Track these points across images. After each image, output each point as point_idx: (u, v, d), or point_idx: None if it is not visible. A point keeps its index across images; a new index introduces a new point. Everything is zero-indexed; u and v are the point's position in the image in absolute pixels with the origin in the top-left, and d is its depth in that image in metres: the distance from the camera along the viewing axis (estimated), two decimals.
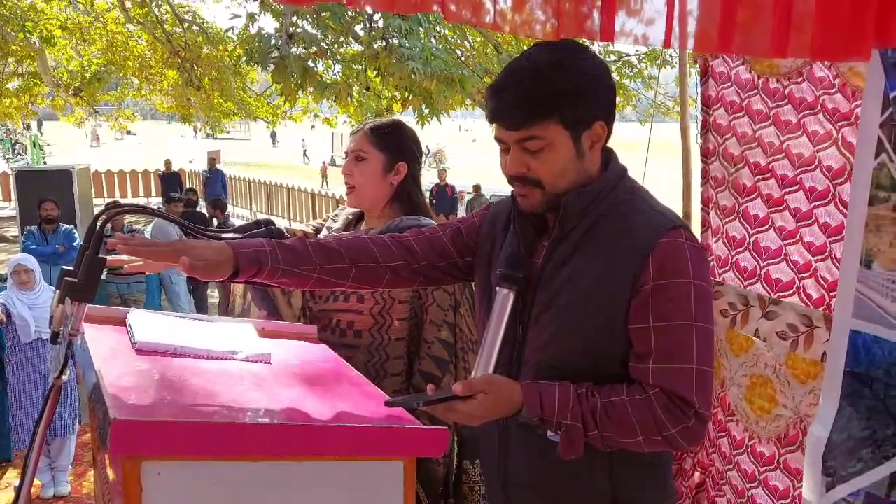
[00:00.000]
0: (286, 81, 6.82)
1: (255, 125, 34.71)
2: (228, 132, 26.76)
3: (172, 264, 1.30)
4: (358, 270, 1.44)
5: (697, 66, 2.49)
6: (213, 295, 8.21)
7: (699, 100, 2.45)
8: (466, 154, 34.84)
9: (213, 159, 15.85)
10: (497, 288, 1.31)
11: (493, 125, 1.30)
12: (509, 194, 1.40)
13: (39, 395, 4.58)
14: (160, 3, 10.31)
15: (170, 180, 14.97)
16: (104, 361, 1.30)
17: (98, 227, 1.27)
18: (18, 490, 1.38)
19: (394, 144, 1.90)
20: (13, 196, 15.38)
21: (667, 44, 1.28)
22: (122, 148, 36.51)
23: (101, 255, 1.27)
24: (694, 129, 2.69)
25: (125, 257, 1.52)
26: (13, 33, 10.95)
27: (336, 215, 2.07)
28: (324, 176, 22.40)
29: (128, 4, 10.23)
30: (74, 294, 1.25)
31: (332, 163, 36.86)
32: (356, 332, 1.84)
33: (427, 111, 7.72)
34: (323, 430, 1.20)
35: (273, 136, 40.54)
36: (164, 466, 1.11)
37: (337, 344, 1.80)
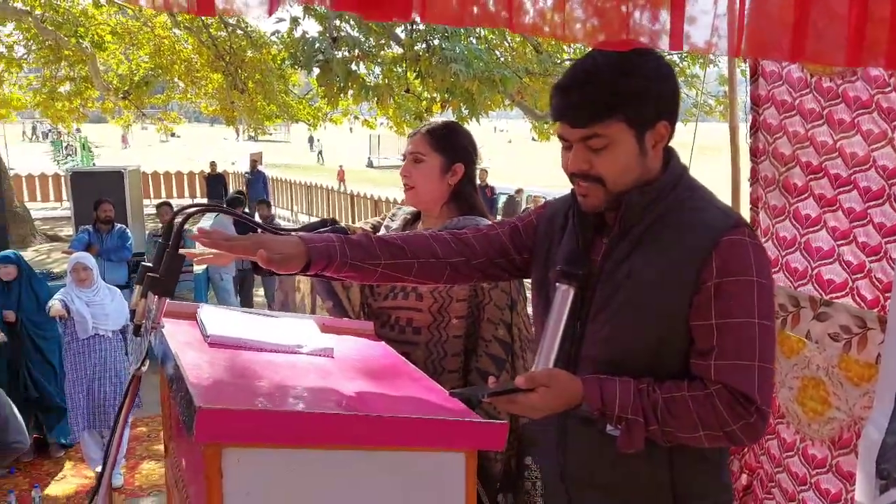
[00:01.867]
0: (330, 84, 6.94)
1: (296, 128, 35.25)
2: (271, 134, 27.17)
3: (251, 257, 1.36)
4: (419, 266, 1.50)
5: (746, 64, 2.48)
6: (259, 293, 8.37)
7: (748, 99, 2.45)
8: (502, 155, 34.81)
9: (254, 161, 16.13)
10: (556, 284, 1.35)
11: (557, 123, 1.34)
12: (551, 195, 1.43)
13: (96, 388, 4.73)
14: None
15: (214, 181, 15.29)
16: (181, 353, 1.37)
17: (178, 225, 1.34)
18: (100, 477, 1.45)
19: (451, 146, 1.95)
20: (64, 196, 15.93)
21: (734, 52, 1.29)
22: (165, 150, 37.32)
23: (180, 252, 1.34)
24: (742, 129, 2.68)
25: (196, 250, 1.59)
26: (66, 38, 11.31)
27: (394, 214, 2.13)
28: (341, 180, 22.35)
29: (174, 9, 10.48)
30: (156, 288, 1.32)
31: (370, 164, 37.20)
32: (415, 328, 1.89)
33: (467, 112, 7.78)
34: (390, 421, 1.25)
35: (311, 140, 41.11)
36: (244, 453, 1.17)
37: (395, 340, 1.86)
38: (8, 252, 5.29)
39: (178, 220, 1.38)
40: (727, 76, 2.72)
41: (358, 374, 1.54)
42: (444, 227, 1.87)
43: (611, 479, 1.38)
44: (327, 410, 1.24)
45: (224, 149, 35.96)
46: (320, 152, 38.26)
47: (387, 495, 1.29)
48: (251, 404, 1.20)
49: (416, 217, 2.08)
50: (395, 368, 1.64)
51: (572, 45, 11.51)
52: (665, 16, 1.24)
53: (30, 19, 11.06)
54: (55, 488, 4.87)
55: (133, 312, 1.37)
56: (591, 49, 1.36)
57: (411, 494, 1.31)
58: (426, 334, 1.89)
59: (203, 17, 10.54)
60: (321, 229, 1.53)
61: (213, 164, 16.21)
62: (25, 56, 13.10)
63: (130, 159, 23.32)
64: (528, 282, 1.62)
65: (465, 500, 1.33)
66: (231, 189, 15.92)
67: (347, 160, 36.53)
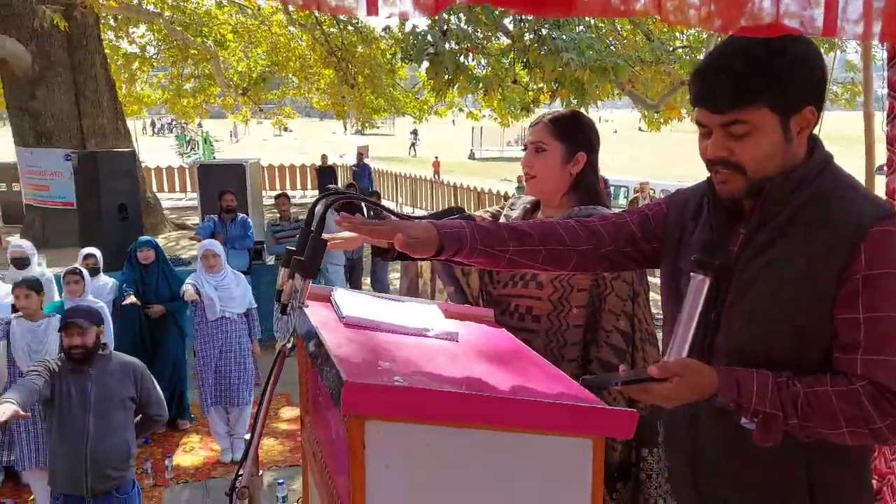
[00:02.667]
0: (439, 76, 7.03)
1: (401, 122, 35.91)
2: (378, 127, 27.80)
3: (388, 240, 1.42)
4: (547, 253, 1.51)
5: (883, 49, 2.34)
6: (366, 282, 8.63)
7: (885, 84, 2.31)
8: (608, 146, 34.01)
9: (361, 154, 16.59)
10: (691, 274, 1.33)
11: (696, 108, 1.31)
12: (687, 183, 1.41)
13: (223, 366, 5.04)
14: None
15: (325, 174, 15.85)
16: (323, 332, 1.45)
17: (322, 212, 1.42)
18: (247, 447, 1.57)
19: (573, 135, 1.95)
20: (189, 187, 16.94)
21: (871, 36, 1.24)
22: (277, 144, 38.94)
23: (323, 238, 1.41)
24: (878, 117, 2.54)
25: (326, 235, 1.68)
26: (192, 38, 12.02)
27: (513, 204, 2.15)
28: (436, 171, 22.41)
29: (290, 7, 10.94)
30: (301, 271, 1.40)
31: (472, 156, 37.37)
32: (534, 317, 1.90)
33: (576, 102, 7.68)
34: (522, 404, 1.28)
35: (414, 133, 41.78)
36: (384, 426, 1.23)
37: (515, 328, 1.88)
38: (148, 237, 5.72)
39: (322, 206, 1.45)
40: (857, 61, 2.58)
41: (484, 358, 1.58)
42: (565, 217, 1.87)
43: (744, 472, 1.36)
44: (462, 390, 1.28)
45: (332, 142, 37.13)
46: (412, 145, 38.75)
47: (515, 476, 1.32)
48: (391, 381, 1.26)
49: (535, 206, 2.10)
50: (519, 354, 1.67)
51: (686, 31, 11.13)
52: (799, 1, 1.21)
53: (160, 21, 11.83)
54: (184, 458, 5.24)
55: (279, 293, 1.47)
56: (730, 34, 1.33)
57: (539, 477, 1.34)
58: (546, 323, 1.90)
59: (317, 14, 10.94)
60: (449, 217, 1.57)
61: (324, 157, 16.79)
62: (155, 55, 14.05)
63: (242, 153, 24.48)
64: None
65: (591, 485, 1.34)
66: (340, 181, 16.45)
67: (449, 153, 36.87)
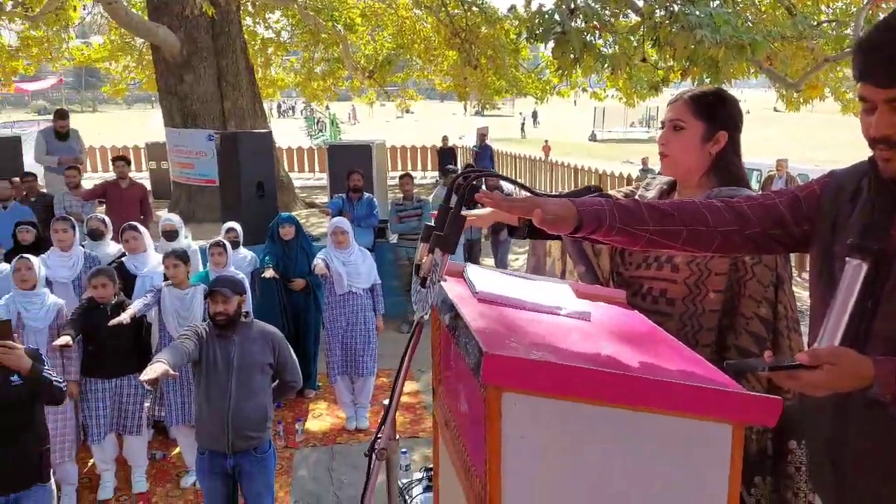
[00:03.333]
0: (565, 56, 6.92)
1: (521, 103, 35.65)
2: (499, 108, 27.78)
3: (527, 216, 1.43)
4: (689, 233, 1.47)
5: None
6: (487, 262, 8.71)
7: None
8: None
9: (482, 135, 16.63)
10: (847, 259, 1.26)
11: (859, 83, 1.24)
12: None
13: (349, 338, 5.27)
14: None
15: (445, 154, 16.05)
16: (460, 305, 1.50)
17: (463, 188, 1.45)
18: (386, 411, 1.64)
19: (715, 113, 1.87)
20: (317, 167, 17.67)
21: None
22: (399, 125, 39.74)
23: (462, 213, 1.45)
24: None
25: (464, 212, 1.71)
26: (323, 22, 12.48)
27: (648, 184, 2.11)
28: (546, 154, 21.67)
29: None
30: (441, 245, 1.44)
31: (593, 138, 36.57)
32: (668, 300, 1.86)
33: (709, 81, 7.32)
34: (661, 385, 1.26)
35: (534, 115, 41.33)
36: (521, 398, 1.26)
37: (647, 310, 1.85)
38: (289, 214, 6.05)
39: (461, 182, 1.48)
40: None
41: (617, 338, 1.57)
42: (706, 198, 1.81)
43: None
44: (599, 368, 1.28)
45: (452, 123, 37.48)
46: (522, 125, 38.29)
47: (650, 458, 1.31)
48: (529, 355, 1.28)
49: (672, 187, 2.04)
50: (653, 335, 1.64)
51: (832, 4, 10.33)
52: None
53: (294, 6, 12.35)
54: (313, 424, 5.54)
55: (418, 267, 1.52)
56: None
57: (674, 461, 1.32)
58: (680, 306, 1.86)
59: None
60: (587, 196, 1.56)
61: (444, 139, 16.99)
62: (289, 40, 14.70)
63: (365, 134, 25.16)
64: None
65: (729, 472, 1.31)
66: (460, 162, 16.58)
67: (569, 134, 36.21)
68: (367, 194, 7.07)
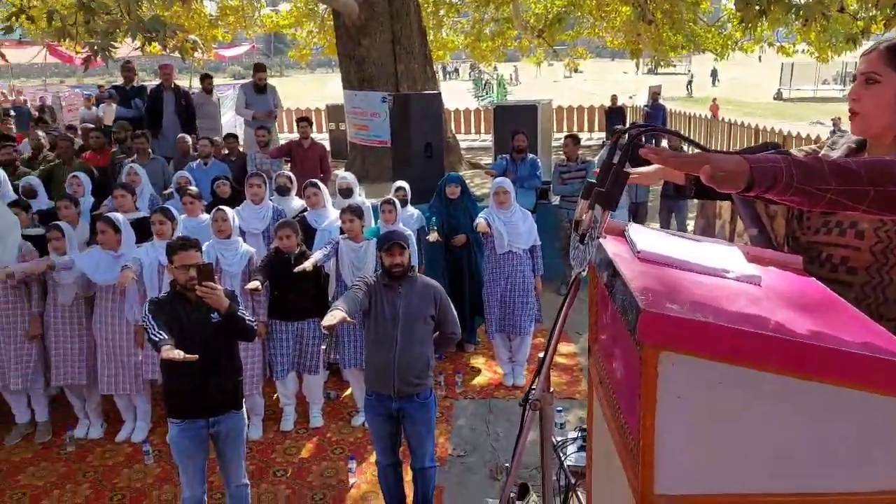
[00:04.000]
0: (749, 7, 6.42)
1: (698, 60, 33.51)
2: (674, 66, 26.28)
3: (694, 172, 1.38)
4: (877, 195, 1.35)
5: None
6: (654, 226, 8.42)
7: None
8: None
9: (655, 94, 15.89)
10: None
11: None
12: None
13: (507, 297, 5.36)
14: None
15: (614, 115, 15.55)
16: (619, 263, 1.49)
17: (626, 144, 1.43)
18: (541, 364, 1.69)
19: None
20: (483, 129, 17.84)
21: None
22: (566, 85, 38.91)
23: (626, 170, 1.43)
24: None
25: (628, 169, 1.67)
26: None
27: (834, 143, 1.95)
28: (714, 115, 19.57)
29: None
30: (602, 202, 1.44)
31: (779, 96, 33.65)
32: (849, 268, 1.73)
33: None
34: (833, 353, 1.20)
35: (714, 73, 38.56)
36: (679, 359, 1.24)
37: (825, 279, 1.73)
38: (457, 174, 6.23)
39: (625, 139, 1.46)
40: None
41: (789, 305, 1.49)
42: None
43: None
44: (767, 332, 1.24)
45: (622, 83, 36.08)
46: (689, 83, 35.66)
47: (818, 430, 1.25)
48: (688, 314, 1.26)
49: (860, 147, 1.87)
50: (831, 304, 1.54)
51: None
52: None
53: None
54: (472, 377, 5.73)
55: (577, 223, 1.53)
56: None
57: (842, 436, 1.25)
58: (863, 276, 1.72)
59: None
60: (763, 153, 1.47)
61: (613, 98, 16.44)
62: (460, 1, 14.83)
63: (531, 95, 24.87)
64: None
65: None
66: (629, 122, 15.97)
67: (753, 92, 33.55)
68: (530, 155, 7.05)
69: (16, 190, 6.05)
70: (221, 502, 3.98)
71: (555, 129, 17.73)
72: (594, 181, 1.51)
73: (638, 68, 42.32)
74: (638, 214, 7.97)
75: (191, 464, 3.51)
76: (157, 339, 3.21)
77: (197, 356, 3.11)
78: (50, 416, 5.05)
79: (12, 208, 5.03)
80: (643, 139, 1.40)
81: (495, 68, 23.87)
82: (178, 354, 3.09)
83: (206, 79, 9.38)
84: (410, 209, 5.92)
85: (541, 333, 6.27)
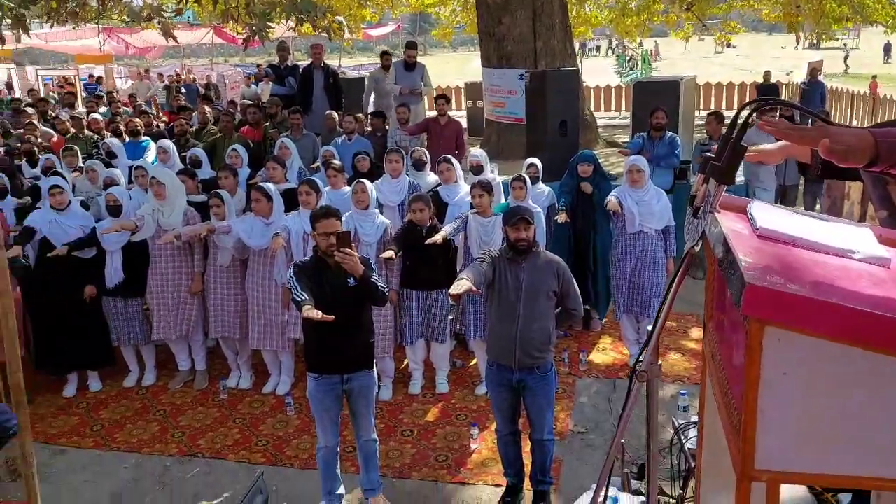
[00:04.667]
0: None
1: (867, 33, 30.48)
2: (837, 40, 24.12)
3: (812, 146, 1.34)
4: None
5: None
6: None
7: None
8: None
9: (814, 69, 14.71)
10: None
11: None
12: None
13: (636, 278, 5.29)
14: None
15: (766, 92, 14.55)
16: (733, 238, 1.49)
17: (744, 118, 1.43)
18: (649, 336, 1.72)
19: None
20: (623, 106, 17.36)
21: None
22: (718, 61, 36.78)
23: (742, 144, 1.43)
24: None
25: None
26: None
27: None
28: (873, 91, 17.03)
29: None
30: (717, 176, 1.45)
31: None
32: None
33: None
34: None
35: (886, 48, 34.89)
36: (785, 334, 1.25)
37: None
38: (590, 152, 6.16)
39: (745, 113, 1.45)
40: None
41: None
42: None
43: None
44: (887, 314, 1.21)
45: (780, 58, 33.57)
46: (845, 58, 32.21)
47: None
48: (796, 291, 1.25)
49: None
50: None
51: None
52: None
53: None
54: (596, 356, 5.72)
55: (693, 197, 1.54)
56: None
57: None
58: None
59: None
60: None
61: (766, 74, 15.42)
62: None
63: (675, 71, 23.75)
64: None
65: None
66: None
67: None
68: (669, 133, 6.82)
69: (183, 160, 6.69)
70: (353, 455, 4.28)
71: (701, 107, 16.94)
72: (711, 155, 1.52)
73: (798, 42, 39.21)
74: (787, 198, 7.51)
75: (326, 416, 3.80)
76: (299, 299, 3.49)
77: (333, 317, 3.35)
78: (207, 366, 5.61)
79: (180, 176, 5.57)
80: (772, 112, 1.39)
81: (640, 44, 23.06)
82: (316, 314, 3.35)
83: (410, 47, 9.12)
84: (541, 186, 5.94)
85: (672, 317, 6.13)
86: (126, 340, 5.45)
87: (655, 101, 7.59)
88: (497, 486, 4.14)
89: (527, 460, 4.02)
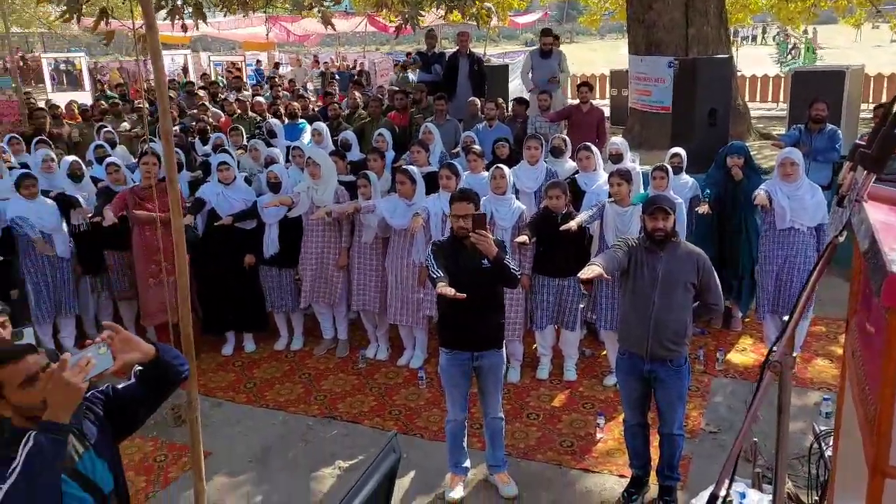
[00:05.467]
0: None
1: None
2: None
3: None
4: None
5: None
6: None
7: None
8: None
9: None
10: None
11: None
12: None
13: (784, 275, 5.04)
14: None
15: None
16: (880, 229, 1.44)
17: None
18: (784, 327, 1.69)
19: None
20: (780, 97, 16.29)
21: None
22: (891, 50, 33.42)
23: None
24: None
25: None
26: None
27: None
28: None
29: None
30: (866, 164, 1.41)
31: None
32: None
33: None
34: None
35: None
36: None
37: None
38: (741, 144, 5.90)
39: None
40: None
41: None
42: None
43: None
44: None
45: None
46: None
47: None
48: None
49: None
50: None
51: None
52: None
53: None
54: (735, 356, 5.50)
55: (839, 185, 1.50)
56: None
57: None
58: None
59: None
60: None
61: None
62: None
63: (840, 60, 21.83)
64: None
65: None
66: None
67: None
68: (830, 126, 6.37)
69: (335, 143, 7.10)
70: (479, 432, 4.42)
71: (871, 100, 15.56)
72: (862, 143, 1.47)
73: None
74: None
75: (455, 390, 3.96)
76: (434, 275, 3.66)
77: (465, 295, 3.49)
78: (349, 336, 5.97)
79: (332, 157, 5.94)
80: None
81: (805, 31, 21.44)
82: (450, 291, 3.50)
83: (546, 34, 9.09)
84: (685, 177, 5.77)
85: (819, 322, 5.78)
86: (279, 307, 5.92)
87: (817, 91, 7.10)
88: (621, 476, 4.13)
89: (654, 454, 3.98)
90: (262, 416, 5.00)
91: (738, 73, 13.56)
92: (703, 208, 5.35)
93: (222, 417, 4.99)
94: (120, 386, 2.21)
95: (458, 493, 4.01)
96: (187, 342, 2.98)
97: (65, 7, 5.00)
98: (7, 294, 5.48)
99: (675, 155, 5.75)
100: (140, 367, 2.16)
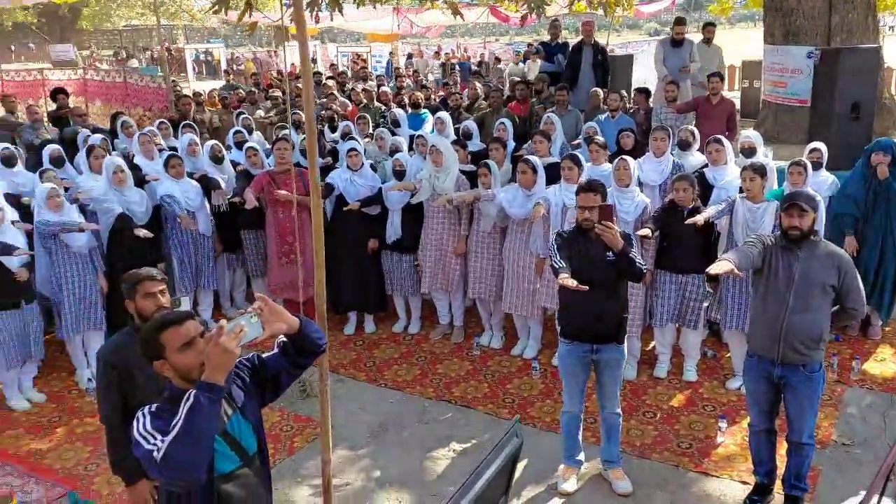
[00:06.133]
0: None
1: None
2: None
3: None
4: None
5: None
6: None
7: None
8: None
9: None
10: None
11: None
12: None
13: None
14: None
15: None
16: None
17: None
18: None
19: None
20: None
21: None
22: None
23: None
24: None
25: None
26: None
27: None
28: None
29: None
30: None
31: None
32: None
33: None
34: None
35: None
36: None
37: None
38: (889, 140, 5.48)
39: None
40: None
41: None
42: None
43: None
44: None
45: None
46: None
47: None
48: None
49: None
50: None
51: None
52: None
53: None
54: (872, 366, 5.15)
55: None
56: None
57: None
58: None
59: None
60: None
61: None
62: None
63: None
64: None
65: None
66: None
67: None
68: None
69: (456, 132, 7.19)
70: (594, 426, 4.39)
71: None
72: None
73: None
74: None
75: (573, 382, 3.95)
76: (557, 266, 3.66)
77: (587, 287, 3.47)
78: (464, 322, 6.07)
79: (453, 146, 6.03)
80: None
81: None
82: (571, 283, 3.49)
83: (679, 23, 8.74)
84: (824, 174, 5.44)
85: None
86: (398, 291, 6.11)
87: None
88: (743, 483, 3.98)
89: (780, 462, 3.81)
90: (380, 394, 5.18)
91: (885, 65, 12.53)
92: (851, 244, 5.12)
93: (344, 393, 5.21)
94: (265, 355, 2.37)
95: (571, 485, 4.00)
96: (320, 318, 3.13)
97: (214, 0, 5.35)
98: (154, 266, 5.97)
99: (815, 150, 5.43)
100: (284, 339, 2.31)
